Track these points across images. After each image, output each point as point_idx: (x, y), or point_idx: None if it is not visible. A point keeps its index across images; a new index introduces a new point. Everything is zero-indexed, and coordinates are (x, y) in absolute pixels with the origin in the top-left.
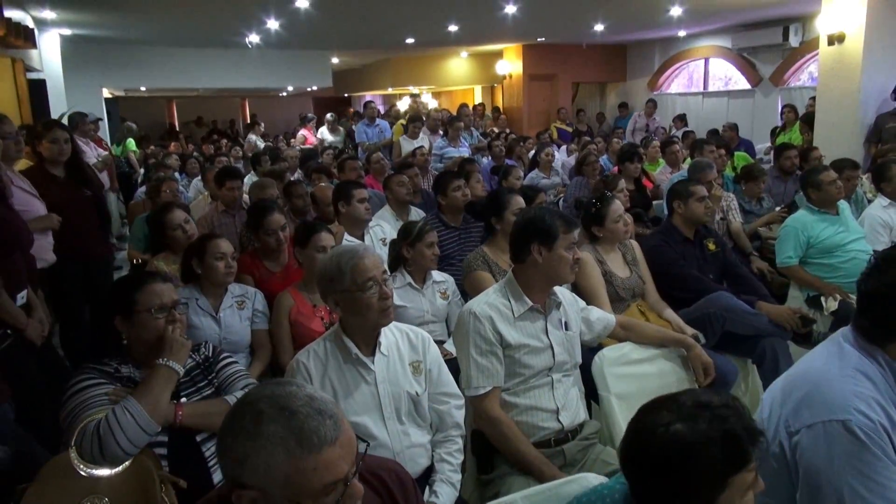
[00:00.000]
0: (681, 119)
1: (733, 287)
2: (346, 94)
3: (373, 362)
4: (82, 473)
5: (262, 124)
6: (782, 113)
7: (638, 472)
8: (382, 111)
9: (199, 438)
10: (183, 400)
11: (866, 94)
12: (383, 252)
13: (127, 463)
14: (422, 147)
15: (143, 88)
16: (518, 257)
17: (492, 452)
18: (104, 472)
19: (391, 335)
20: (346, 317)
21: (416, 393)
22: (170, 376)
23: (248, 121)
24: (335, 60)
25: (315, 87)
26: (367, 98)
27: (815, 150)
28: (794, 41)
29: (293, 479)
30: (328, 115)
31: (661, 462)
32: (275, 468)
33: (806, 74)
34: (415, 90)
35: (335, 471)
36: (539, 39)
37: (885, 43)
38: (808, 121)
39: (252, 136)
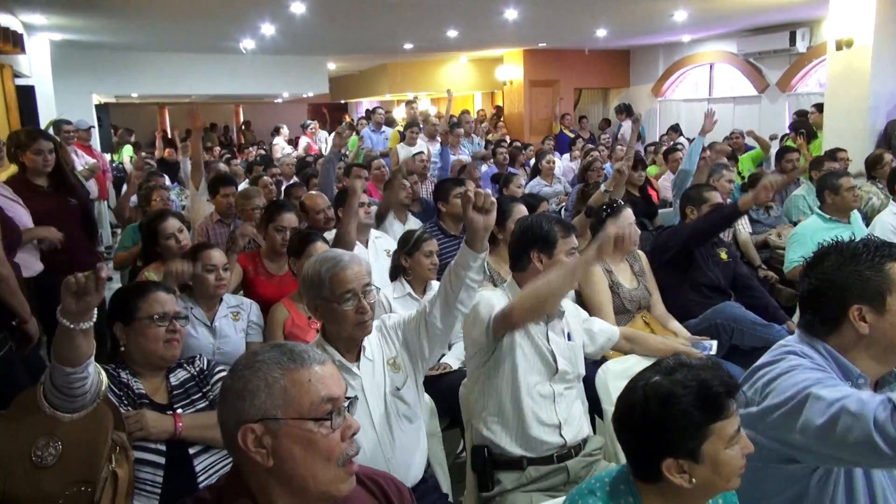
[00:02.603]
0: (674, 129)
1: (742, 299)
2: (342, 101)
3: (358, 368)
4: (45, 411)
5: (286, 127)
6: (791, 119)
7: (628, 432)
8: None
9: (191, 451)
10: (179, 411)
11: (876, 101)
12: (387, 264)
13: (87, 411)
14: (422, 153)
15: (134, 95)
16: (518, 266)
17: (493, 469)
18: (65, 416)
19: (373, 338)
20: (326, 324)
21: (397, 388)
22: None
23: (242, 127)
24: (331, 66)
25: (311, 94)
26: (364, 104)
27: (843, 152)
28: (801, 46)
29: (291, 393)
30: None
31: (644, 414)
32: (273, 384)
33: (814, 80)
34: (411, 96)
35: (329, 386)
36: (540, 45)
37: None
38: (797, 128)
39: (278, 139)
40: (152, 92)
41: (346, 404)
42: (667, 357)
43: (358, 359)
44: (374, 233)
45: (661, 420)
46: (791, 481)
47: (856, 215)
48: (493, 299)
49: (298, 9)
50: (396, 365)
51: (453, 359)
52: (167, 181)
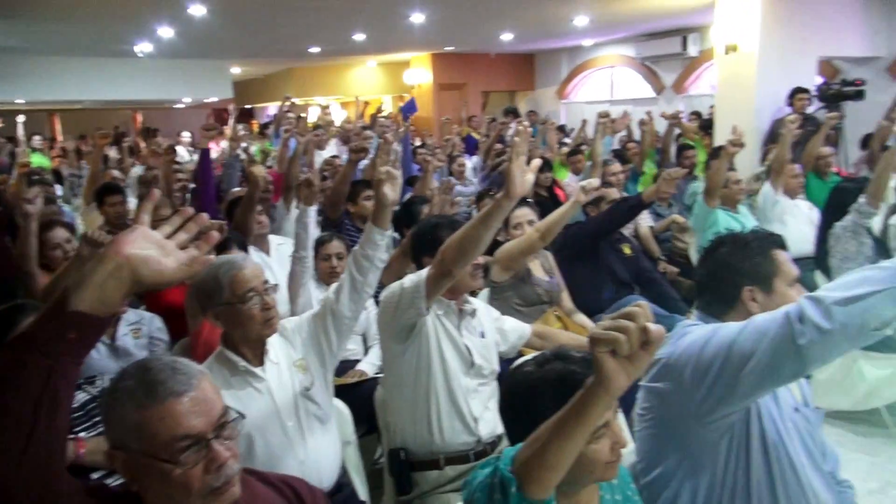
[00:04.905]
0: (560, 129)
1: (646, 292)
2: (248, 106)
3: (264, 371)
4: None
5: (189, 134)
6: (688, 120)
7: (505, 417)
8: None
9: (94, 476)
10: (82, 435)
11: (761, 102)
12: None
13: None
14: (338, 157)
15: (20, 101)
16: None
17: (410, 471)
18: None
19: (275, 341)
20: (228, 331)
21: (306, 388)
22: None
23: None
24: (236, 70)
25: (215, 99)
26: (271, 109)
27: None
28: (692, 51)
29: (143, 429)
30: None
31: (513, 402)
32: (126, 419)
33: (705, 83)
34: (322, 100)
35: (185, 424)
36: (447, 48)
37: (779, 53)
38: (705, 127)
39: (180, 149)
40: (40, 98)
41: (232, 418)
42: (553, 349)
43: (263, 362)
44: (275, 239)
45: (526, 409)
46: (700, 441)
47: (743, 208)
48: (413, 275)
49: (198, 11)
50: (303, 367)
51: (368, 365)
52: (59, 191)
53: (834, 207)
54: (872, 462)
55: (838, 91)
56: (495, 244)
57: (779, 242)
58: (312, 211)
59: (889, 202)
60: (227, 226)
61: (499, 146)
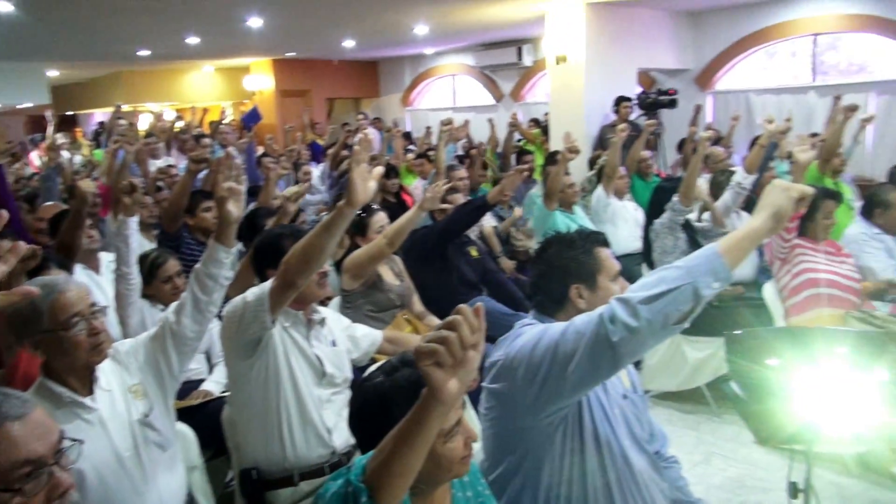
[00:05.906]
0: (406, 137)
1: (492, 293)
2: (70, 112)
3: (93, 400)
4: None
5: None
6: (528, 126)
7: (359, 429)
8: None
9: None
10: None
11: (589, 109)
12: None
13: None
14: (173, 166)
15: None
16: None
17: (263, 491)
18: None
19: (106, 367)
20: (50, 360)
21: (144, 415)
22: None
23: None
24: (54, 73)
25: (29, 104)
26: (97, 116)
27: (560, 154)
28: (527, 60)
29: None
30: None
31: (367, 414)
32: None
33: (541, 91)
34: (155, 107)
35: (25, 448)
36: (289, 54)
37: (603, 63)
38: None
39: None
40: None
41: (68, 446)
42: (400, 355)
43: (92, 391)
44: (106, 256)
45: (381, 418)
46: (537, 435)
47: (578, 209)
48: (256, 288)
49: (2, 7)
50: (139, 392)
51: (213, 384)
52: None
53: (655, 206)
54: (697, 436)
55: (655, 100)
56: (352, 250)
57: (601, 240)
58: (133, 222)
59: (701, 200)
60: (47, 245)
61: (345, 153)
